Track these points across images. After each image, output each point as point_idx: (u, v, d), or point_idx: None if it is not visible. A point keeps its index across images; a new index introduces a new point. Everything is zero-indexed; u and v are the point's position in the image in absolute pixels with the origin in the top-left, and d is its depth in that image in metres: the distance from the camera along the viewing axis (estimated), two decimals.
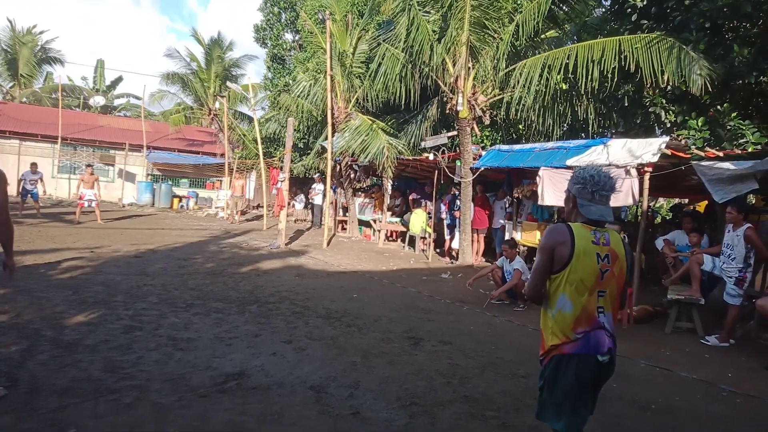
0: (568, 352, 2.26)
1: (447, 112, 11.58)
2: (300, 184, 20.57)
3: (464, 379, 4.14)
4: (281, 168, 15.09)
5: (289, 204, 15.17)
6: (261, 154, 16.63)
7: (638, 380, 4.44)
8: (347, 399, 3.58)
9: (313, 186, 16.72)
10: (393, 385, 3.90)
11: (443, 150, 11.26)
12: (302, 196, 19.76)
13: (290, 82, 19.52)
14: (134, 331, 4.70)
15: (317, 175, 16.98)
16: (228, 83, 21.21)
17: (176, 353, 4.22)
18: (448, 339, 5.24)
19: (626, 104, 9.44)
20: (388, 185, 13.36)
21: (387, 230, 13.90)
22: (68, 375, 3.62)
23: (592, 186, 2.32)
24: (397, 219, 13.98)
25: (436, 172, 11.23)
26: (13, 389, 3.32)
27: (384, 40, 12.62)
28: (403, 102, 12.27)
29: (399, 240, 14.03)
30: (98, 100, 29.71)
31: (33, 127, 21.49)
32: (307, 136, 18.86)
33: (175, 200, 21.82)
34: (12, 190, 17.70)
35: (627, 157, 7.50)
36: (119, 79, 38.36)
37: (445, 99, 11.48)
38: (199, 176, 24.19)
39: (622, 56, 8.38)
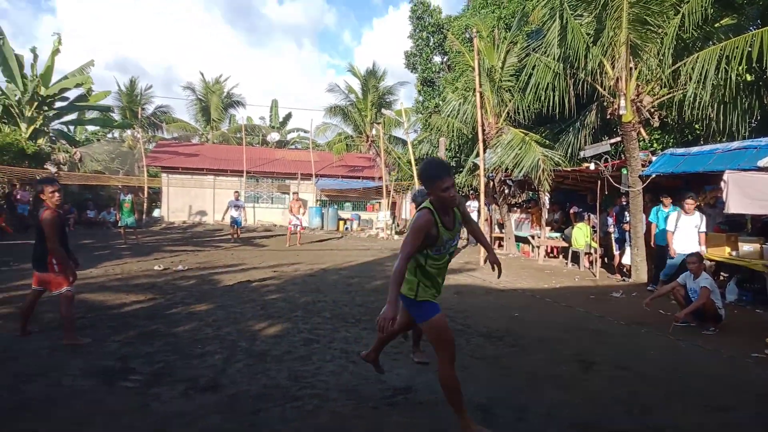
0: None
1: (608, 117, 10.81)
2: None
3: (647, 409, 3.78)
4: None
5: None
6: (415, 175, 17.18)
7: None
8: (516, 422, 3.50)
9: (467, 203, 16.75)
10: (564, 410, 3.72)
11: (606, 158, 10.51)
12: None
13: (440, 102, 19.93)
14: (312, 344, 5.16)
15: (471, 192, 16.98)
16: (383, 110, 22.39)
17: (349, 365, 4.54)
18: (624, 364, 4.83)
19: None
20: (546, 199, 12.85)
21: (547, 246, 13.32)
22: (260, 382, 4.09)
23: None
24: (558, 234, 13.33)
25: (599, 182, 10.50)
26: (218, 392, 3.87)
27: (534, 50, 12.31)
28: (557, 111, 11.77)
29: (560, 256, 13.34)
30: (274, 136, 33.48)
31: (223, 164, 24.94)
32: (458, 155, 19.02)
33: (341, 222, 23.51)
34: (214, 217, 20.67)
35: None
36: (289, 116, 42.81)
37: (605, 104, 10.75)
38: (361, 199, 25.74)
39: None
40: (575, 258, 12.08)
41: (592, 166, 10.69)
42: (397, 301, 2.93)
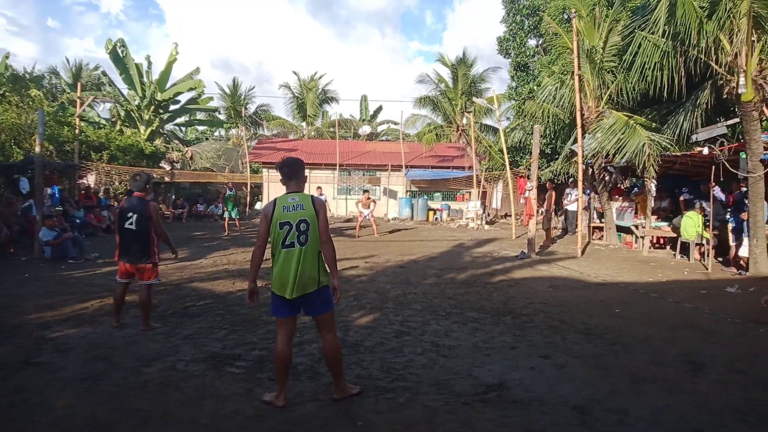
0: None
1: (724, 96, 9.83)
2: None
3: (764, 418, 3.45)
4: (528, 177, 14.94)
5: (537, 212, 14.87)
6: (507, 163, 16.74)
7: None
8: (616, 425, 3.35)
9: (566, 191, 16.07)
10: (669, 415, 3.50)
11: (721, 141, 9.57)
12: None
13: (534, 88, 19.20)
14: (403, 336, 5.26)
15: (570, 180, 16.30)
16: (473, 98, 21.96)
17: (440, 359, 4.58)
18: (739, 367, 4.43)
19: None
20: (652, 186, 11.98)
21: (652, 236, 12.44)
22: (354, 372, 4.25)
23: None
24: (665, 223, 12.41)
25: (713, 167, 9.60)
26: (315, 381, 4.07)
27: (638, 28, 11.45)
28: (665, 92, 10.89)
29: (668, 247, 12.41)
30: (365, 129, 34.10)
31: (318, 157, 25.86)
32: (554, 141, 18.27)
33: (430, 213, 23.53)
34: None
35: None
36: (380, 108, 43.37)
37: (720, 82, 9.79)
38: (451, 189, 25.57)
39: None
40: (684, 249, 11.17)
41: (705, 151, 9.78)
42: None
